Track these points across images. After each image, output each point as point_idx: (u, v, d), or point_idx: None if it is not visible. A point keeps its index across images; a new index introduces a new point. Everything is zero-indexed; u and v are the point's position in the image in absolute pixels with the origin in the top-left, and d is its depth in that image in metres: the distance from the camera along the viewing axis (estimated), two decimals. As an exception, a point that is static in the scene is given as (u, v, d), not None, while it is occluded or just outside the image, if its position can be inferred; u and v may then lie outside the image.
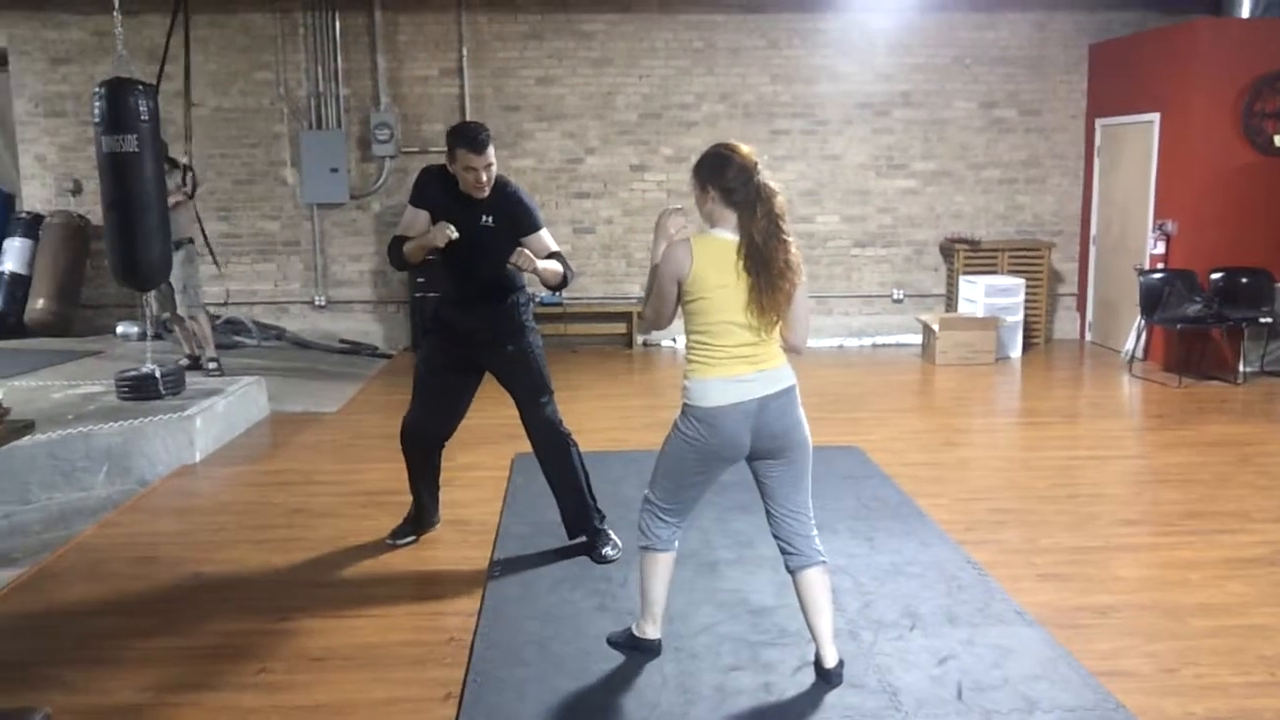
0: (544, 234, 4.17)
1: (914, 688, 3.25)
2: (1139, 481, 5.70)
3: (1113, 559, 4.40)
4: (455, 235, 3.96)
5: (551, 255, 4.12)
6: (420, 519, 4.71)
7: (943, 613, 3.80)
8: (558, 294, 4.22)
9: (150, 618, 3.92)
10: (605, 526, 4.47)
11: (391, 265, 4.27)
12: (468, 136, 3.95)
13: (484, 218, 4.08)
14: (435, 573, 4.34)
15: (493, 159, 4.00)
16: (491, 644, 3.61)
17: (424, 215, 4.17)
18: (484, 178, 3.99)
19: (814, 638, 3.30)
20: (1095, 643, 3.60)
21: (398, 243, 4.16)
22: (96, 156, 6.31)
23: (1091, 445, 6.34)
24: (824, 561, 3.26)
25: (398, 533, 4.67)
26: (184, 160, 8.73)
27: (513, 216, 4.12)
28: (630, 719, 3.09)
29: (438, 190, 4.15)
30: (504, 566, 4.32)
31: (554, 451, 4.39)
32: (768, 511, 3.27)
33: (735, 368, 3.07)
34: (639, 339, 9.91)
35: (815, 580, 3.24)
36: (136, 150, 6.17)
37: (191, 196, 8.68)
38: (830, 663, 3.27)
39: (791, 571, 3.27)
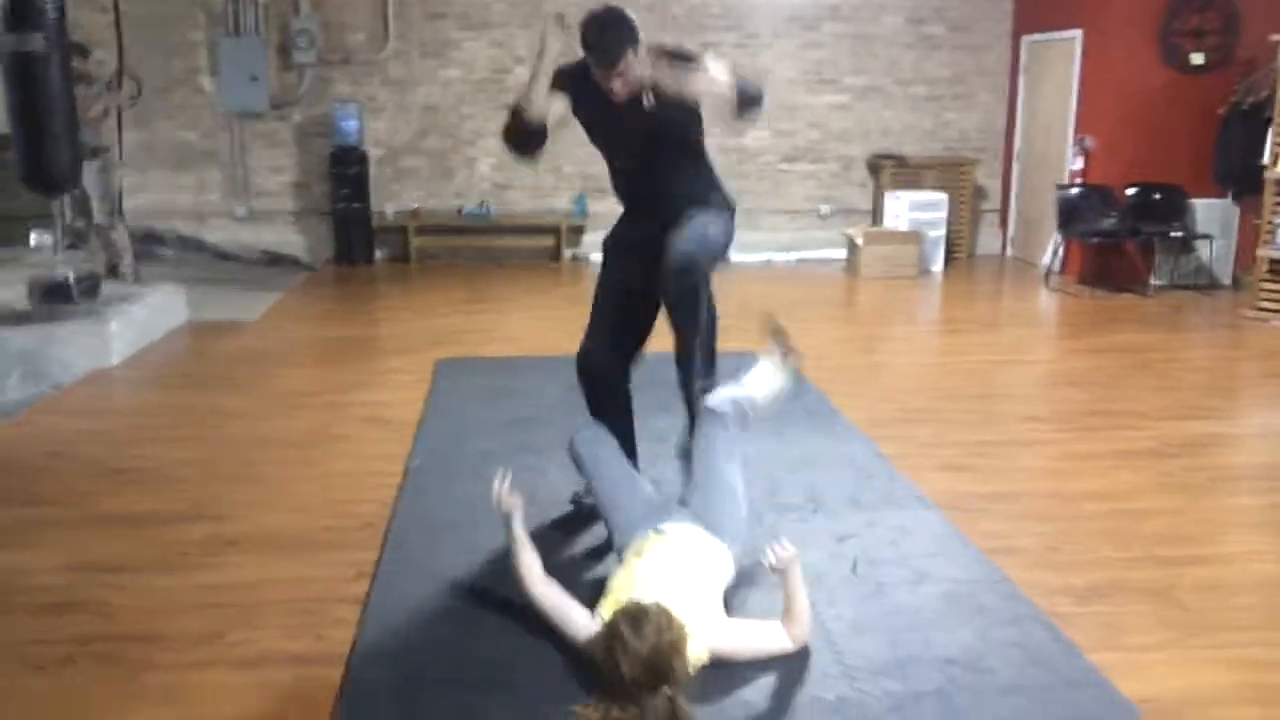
0: (709, 61, 3.17)
1: (812, 564, 3.35)
2: (1045, 383, 5.90)
3: (1015, 452, 4.58)
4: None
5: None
6: None
7: (847, 498, 3.94)
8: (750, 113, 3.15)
9: (65, 508, 3.92)
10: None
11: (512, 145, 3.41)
12: (588, 47, 3.20)
13: (645, 99, 3.24)
14: (355, 466, 4.37)
15: (624, 67, 3.16)
16: (406, 528, 3.67)
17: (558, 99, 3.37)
18: (618, 86, 3.23)
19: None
20: (989, 525, 3.76)
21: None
22: (-1, 57, 6.09)
23: (1003, 351, 6.53)
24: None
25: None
26: (118, 65, 8.52)
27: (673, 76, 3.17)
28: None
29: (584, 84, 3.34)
30: (424, 459, 4.37)
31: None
32: None
33: None
34: (567, 252, 9.90)
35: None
36: (42, 50, 5.97)
37: (135, 101, 8.48)
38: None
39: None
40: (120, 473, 4.28)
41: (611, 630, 2.52)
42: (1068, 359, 6.38)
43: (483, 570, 3.33)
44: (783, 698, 2.66)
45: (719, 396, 3.32)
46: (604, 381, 3.70)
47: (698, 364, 3.44)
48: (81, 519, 3.81)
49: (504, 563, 3.10)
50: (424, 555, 3.45)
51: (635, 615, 2.53)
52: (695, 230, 3.31)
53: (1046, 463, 4.46)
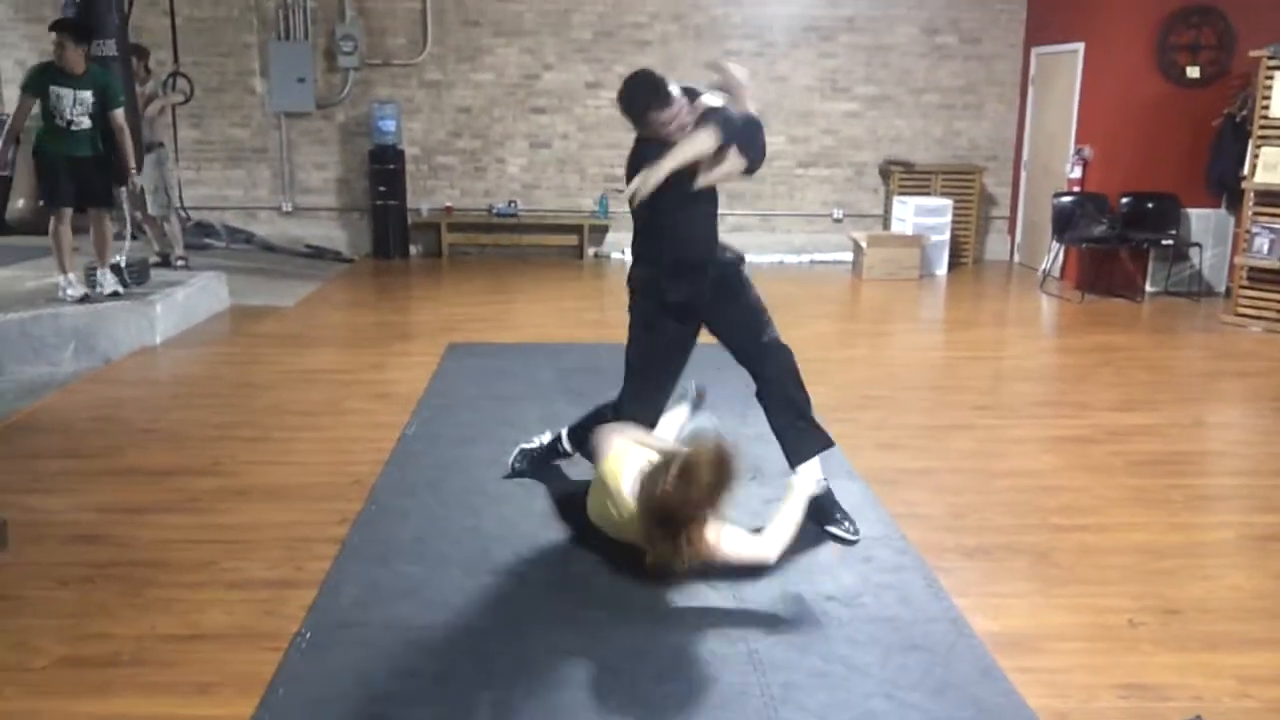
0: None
1: (736, 522, 3.85)
2: (1005, 378, 6.28)
3: (950, 435, 5.00)
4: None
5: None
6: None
7: (783, 469, 4.35)
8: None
9: (101, 461, 4.52)
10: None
11: None
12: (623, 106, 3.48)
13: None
14: (356, 434, 4.91)
15: (664, 118, 3.39)
16: (389, 484, 4.21)
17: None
18: (666, 131, 3.42)
19: None
20: (906, 495, 4.21)
21: None
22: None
23: (977, 348, 6.93)
24: None
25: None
26: (174, 67, 9.26)
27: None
28: (487, 534, 3.71)
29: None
30: (418, 427, 4.91)
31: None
32: None
33: None
34: (590, 250, 10.43)
35: None
36: (114, 55, 6.65)
37: (188, 100, 9.21)
38: None
39: None
40: (152, 433, 4.88)
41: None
42: (1037, 356, 6.76)
43: (446, 519, 3.86)
44: (675, 617, 3.14)
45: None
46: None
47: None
48: (113, 470, 4.40)
49: (462, 518, 3.62)
50: (400, 506, 3.99)
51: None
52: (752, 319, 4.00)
53: (977, 445, 4.87)
